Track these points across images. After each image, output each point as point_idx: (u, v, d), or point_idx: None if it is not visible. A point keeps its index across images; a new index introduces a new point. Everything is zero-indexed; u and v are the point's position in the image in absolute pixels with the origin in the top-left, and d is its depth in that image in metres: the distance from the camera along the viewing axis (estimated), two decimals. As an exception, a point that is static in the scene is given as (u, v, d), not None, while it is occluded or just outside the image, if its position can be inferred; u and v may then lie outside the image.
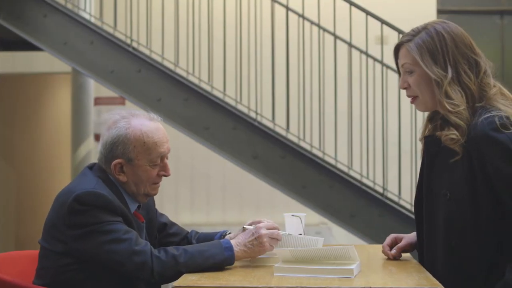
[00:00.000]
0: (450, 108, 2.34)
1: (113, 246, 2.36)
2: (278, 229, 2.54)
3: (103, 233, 2.37)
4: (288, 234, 2.60)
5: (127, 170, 2.54)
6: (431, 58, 2.38)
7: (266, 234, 2.47)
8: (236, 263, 2.45)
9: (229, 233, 2.79)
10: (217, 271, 2.36)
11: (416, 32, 2.44)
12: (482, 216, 2.33)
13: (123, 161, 2.52)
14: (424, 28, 2.44)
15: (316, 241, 2.59)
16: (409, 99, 2.51)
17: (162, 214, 2.87)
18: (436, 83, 2.37)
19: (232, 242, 2.45)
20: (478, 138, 2.28)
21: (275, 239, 2.49)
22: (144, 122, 2.56)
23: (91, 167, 2.62)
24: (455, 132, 2.33)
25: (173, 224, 2.90)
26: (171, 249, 2.40)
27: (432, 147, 2.46)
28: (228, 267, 2.42)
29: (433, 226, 2.45)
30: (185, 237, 2.86)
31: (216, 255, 2.39)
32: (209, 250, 2.40)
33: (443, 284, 2.24)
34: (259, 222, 2.62)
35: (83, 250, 2.40)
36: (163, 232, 2.82)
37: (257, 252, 2.45)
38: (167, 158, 2.61)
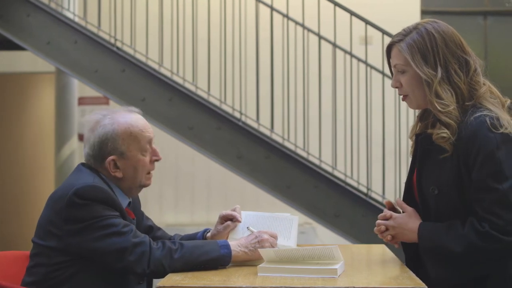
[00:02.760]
0: (440, 108, 2.37)
1: (113, 239, 2.38)
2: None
3: (103, 227, 2.39)
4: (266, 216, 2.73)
5: (121, 165, 2.57)
6: (421, 58, 2.41)
7: (268, 239, 2.50)
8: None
9: (209, 231, 2.81)
10: (211, 270, 2.36)
11: (407, 32, 2.47)
12: (470, 212, 2.35)
13: (116, 157, 2.56)
14: (415, 28, 2.47)
15: (291, 219, 2.67)
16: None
17: (148, 217, 2.90)
18: (426, 83, 2.40)
19: (234, 243, 2.48)
20: (467, 137, 2.31)
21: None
22: (126, 115, 2.62)
23: (84, 164, 2.64)
24: (446, 131, 2.36)
25: (158, 228, 2.93)
26: (169, 243, 2.43)
27: (424, 144, 2.49)
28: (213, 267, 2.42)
29: (426, 221, 2.47)
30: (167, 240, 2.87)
31: (211, 252, 2.41)
32: (205, 246, 2.43)
33: (431, 280, 2.26)
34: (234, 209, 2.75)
35: (80, 244, 2.40)
36: (149, 235, 2.82)
37: (257, 256, 2.46)
38: (153, 144, 2.66)
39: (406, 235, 2.47)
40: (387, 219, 2.54)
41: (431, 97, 2.39)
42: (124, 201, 2.61)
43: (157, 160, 2.66)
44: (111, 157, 2.55)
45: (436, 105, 2.37)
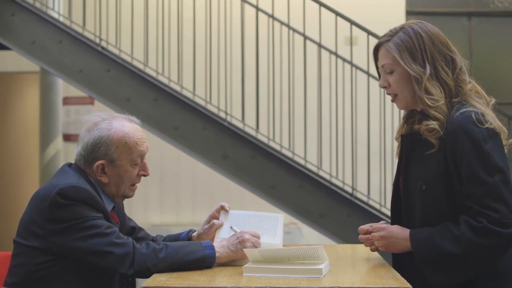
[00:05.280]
0: (430, 103, 2.40)
1: (96, 240, 2.38)
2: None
3: (85, 228, 2.39)
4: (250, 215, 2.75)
5: (108, 171, 2.58)
6: (410, 56, 2.44)
7: (249, 239, 2.50)
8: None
9: (194, 232, 2.81)
10: (196, 270, 2.36)
11: (394, 33, 2.50)
12: (457, 208, 2.37)
13: (105, 162, 2.57)
14: (402, 28, 2.50)
15: (277, 217, 2.71)
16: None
17: (130, 219, 2.91)
18: (415, 80, 2.43)
19: (217, 244, 2.49)
20: (454, 131, 2.34)
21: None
22: (125, 123, 2.62)
23: (69, 165, 2.64)
24: (435, 122, 2.38)
25: (141, 228, 2.94)
26: (153, 243, 2.44)
27: (410, 142, 2.51)
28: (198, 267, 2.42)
29: (412, 219, 2.49)
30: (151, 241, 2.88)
31: (196, 252, 2.42)
32: (190, 247, 2.44)
33: (419, 278, 2.27)
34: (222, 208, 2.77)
35: (63, 244, 2.40)
36: (132, 236, 2.82)
37: (240, 255, 2.47)
38: (145, 159, 2.67)
39: (399, 244, 2.47)
40: (368, 233, 2.57)
41: (421, 93, 2.42)
42: (109, 205, 2.61)
43: (144, 175, 2.69)
44: (100, 162, 2.56)
45: (426, 100, 2.40)
